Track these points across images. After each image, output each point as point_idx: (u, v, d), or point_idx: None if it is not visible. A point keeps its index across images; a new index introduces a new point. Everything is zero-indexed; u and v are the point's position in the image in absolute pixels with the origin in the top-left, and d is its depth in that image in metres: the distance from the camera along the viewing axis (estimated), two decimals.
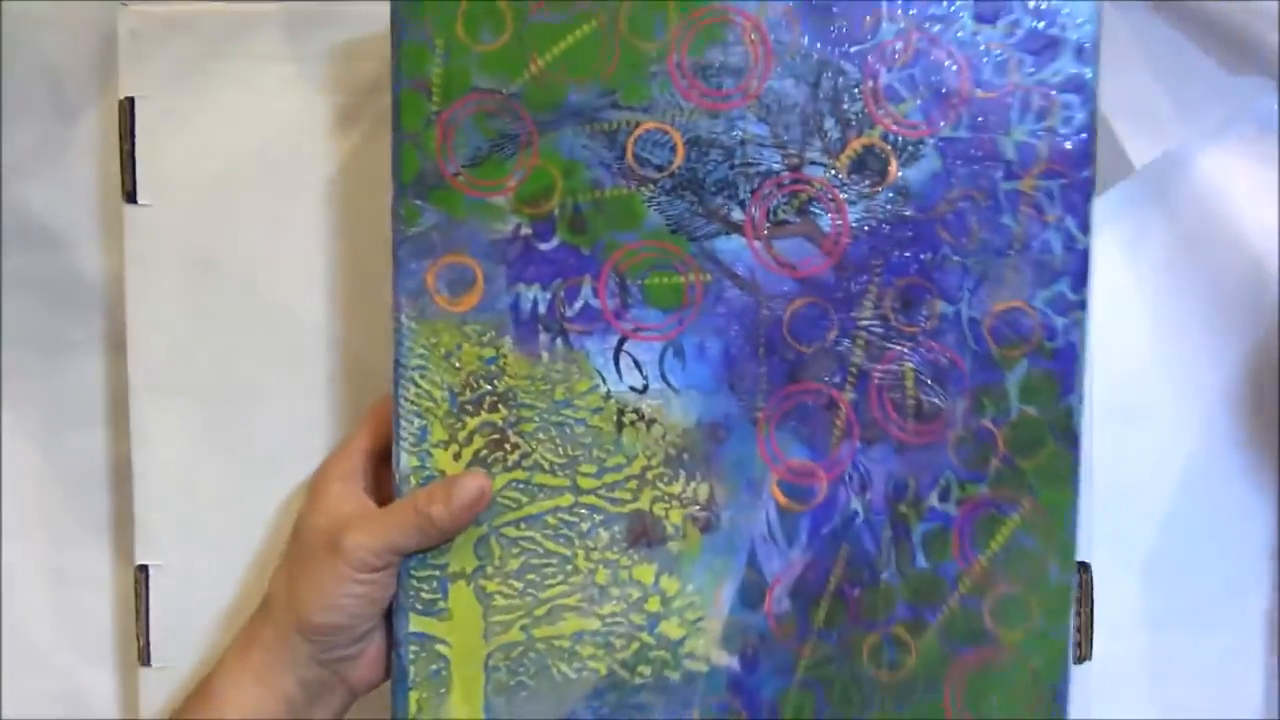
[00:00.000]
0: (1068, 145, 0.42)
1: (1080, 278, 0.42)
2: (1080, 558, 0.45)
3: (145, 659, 0.49)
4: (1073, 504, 0.43)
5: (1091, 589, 0.49)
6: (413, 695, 0.43)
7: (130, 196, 0.48)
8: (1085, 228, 0.42)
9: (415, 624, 0.43)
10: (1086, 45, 0.41)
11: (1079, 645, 0.48)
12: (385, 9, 0.43)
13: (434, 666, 0.43)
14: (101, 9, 0.49)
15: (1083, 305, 0.42)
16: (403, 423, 0.43)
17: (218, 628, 0.49)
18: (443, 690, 0.44)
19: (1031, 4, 0.41)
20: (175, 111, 0.48)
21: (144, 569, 0.49)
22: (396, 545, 0.42)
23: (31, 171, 0.50)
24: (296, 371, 0.49)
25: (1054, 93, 0.42)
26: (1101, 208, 0.48)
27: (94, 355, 0.51)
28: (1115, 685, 0.52)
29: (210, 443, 0.49)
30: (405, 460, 0.43)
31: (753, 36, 0.42)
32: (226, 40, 0.48)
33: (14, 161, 0.50)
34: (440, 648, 0.43)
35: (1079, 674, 0.47)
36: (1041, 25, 0.41)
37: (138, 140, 0.48)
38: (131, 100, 0.48)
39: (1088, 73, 0.42)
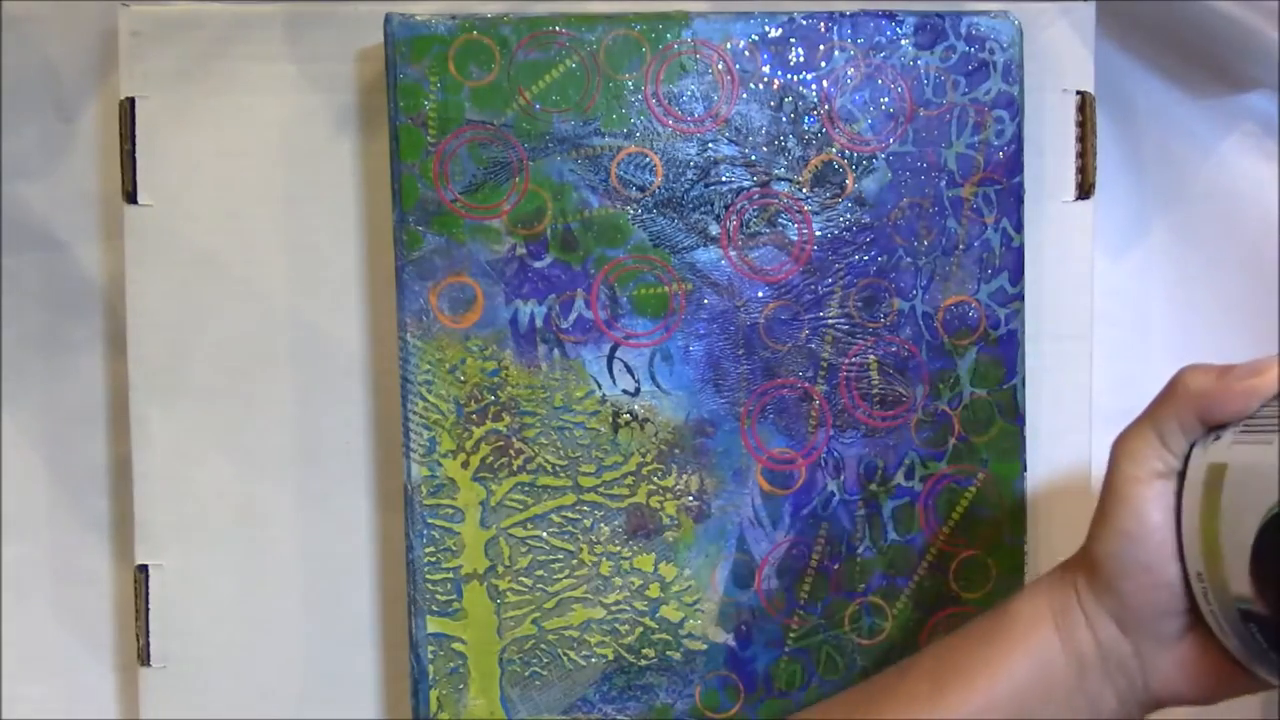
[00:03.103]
0: (1001, 155, 0.47)
1: (1017, 272, 0.47)
2: None
3: (145, 659, 0.48)
4: (1020, 474, 0.48)
5: None
6: (433, 694, 0.46)
7: (130, 196, 0.48)
8: (1019, 227, 0.47)
9: (432, 625, 0.46)
10: (1012, 66, 0.47)
11: None
12: (385, 10, 0.45)
13: (452, 665, 0.46)
14: (101, 9, 0.48)
15: (1020, 297, 0.48)
16: (412, 434, 0.45)
17: (218, 628, 0.49)
18: (461, 686, 0.46)
19: (963, 31, 0.47)
20: (175, 111, 0.48)
21: (144, 569, 0.48)
22: (1166, 431, 0.36)
23: (31, 171, 0.50)
24: (297, 371, 0.49)
25: (986, 109, 0.47)
26: (1102, 207, 0.51)
27: (94, 355, 0.51)
28: None
29: (210, 443, 0.48)
30: (416, 470, 0.46)
31: (720, 67, 0.46)
32: (226, 40, 0.48)
33: (14, 161, 0.50)
34: (457, 646, 0.46)
35: None
36: (972, 50, 0.47)
37: (138, 140, 0.47)
38: (131, 100, 0.47)
39: (1014, 90, 0.47)
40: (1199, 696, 0.36)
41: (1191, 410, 0.35)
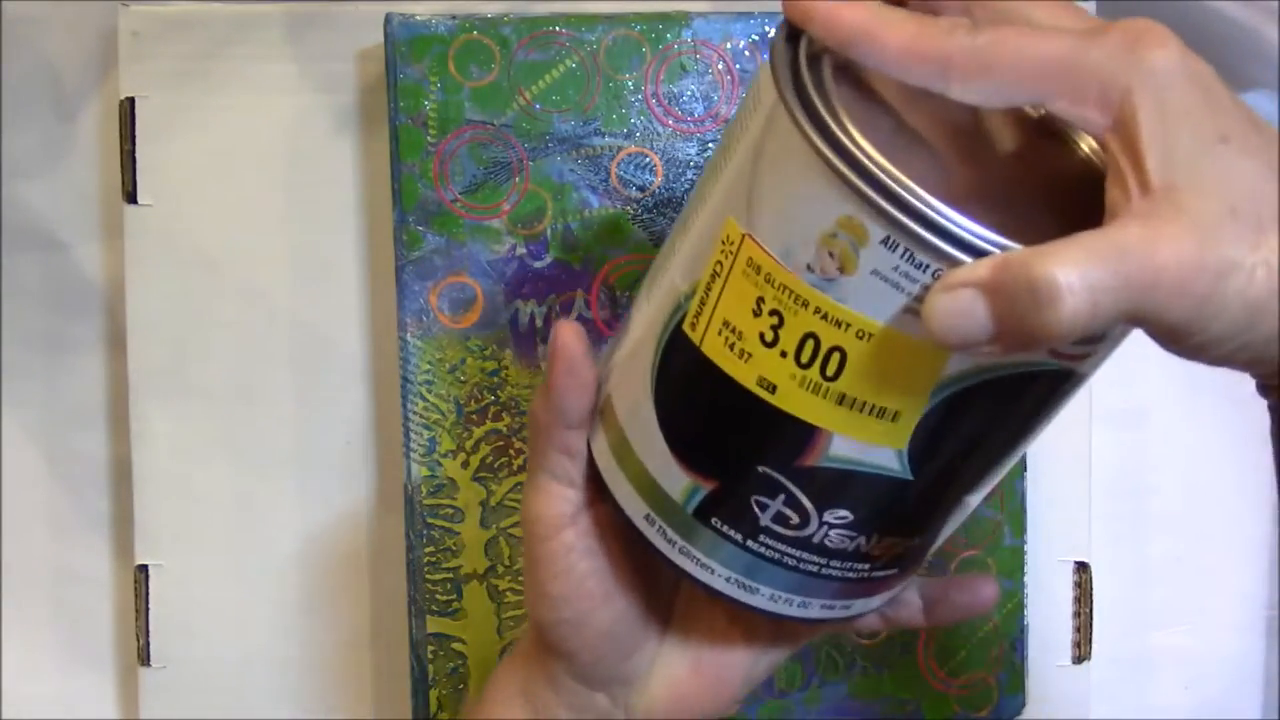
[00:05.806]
0: None
1: None
2: (1080, 558, 0.50)
3: (145, 659, 0.48)
4: (1020, 474, 0.48)
5: (1091, 589, 0.50)
6: (433, 694, 0.46)
7: (130, 196, 0.48)
8: None
9: (432, 625, 0.46)
10: None
11: (1079, 645, 0.51)
12: (385, 10, 0.45)
13: (452, 665, 0.46)
14: (101, 9, 0.48)
15: None
16: (412, 434, 0.45)
17: (218, 628, 0.49)
18: (461, 687, 0.46)
19: None
20: (175, 111, 0.48)
21: (144, 569, 0.48)
22: (551, 466, 0.33)
23: (31, 171, 0.50)
24: (297, 371, 0.49)
25: None
26: None
27: (94, 355, 0.50)
28: (1115, 685, 0.52)
29: (210, 443, 0.48)
30: (416, 470, 0.46)
31: (720, 67, 0.46)
32: (226, 40, 0.48)
33: (14, 161, 0.50)
34: (457, 646, 0.46)
35: (1079, 674, 0.50)
36: None
37: (138, 140, 0.48)
38: (131, 100, 0.47)
39: None
40: (699, 710, 0.35)
41: (556, 434, 0.33)
